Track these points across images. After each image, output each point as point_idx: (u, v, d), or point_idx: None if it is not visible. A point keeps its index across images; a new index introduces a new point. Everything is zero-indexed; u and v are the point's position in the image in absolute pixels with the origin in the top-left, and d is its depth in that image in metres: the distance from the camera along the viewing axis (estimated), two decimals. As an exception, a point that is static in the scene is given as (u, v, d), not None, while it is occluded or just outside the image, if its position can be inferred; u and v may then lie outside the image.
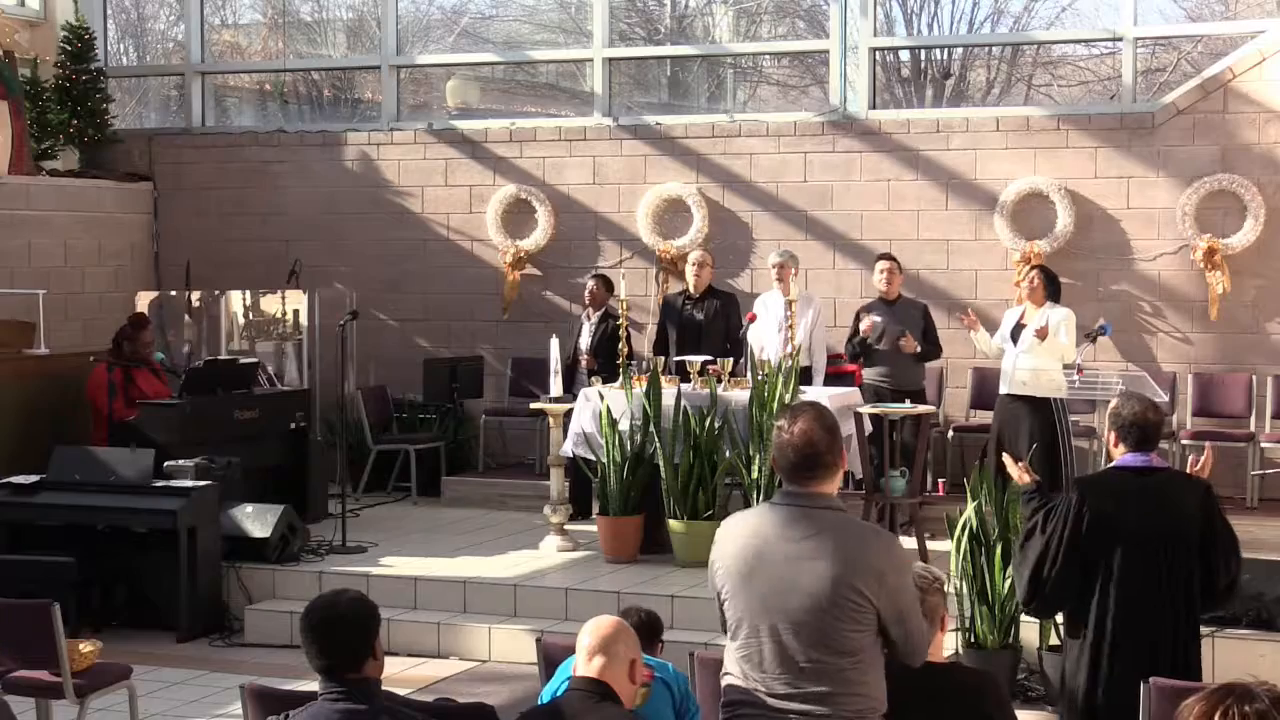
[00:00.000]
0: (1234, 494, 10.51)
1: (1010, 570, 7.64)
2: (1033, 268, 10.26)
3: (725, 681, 4.21)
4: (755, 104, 14.07)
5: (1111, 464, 5.56)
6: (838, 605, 4.00)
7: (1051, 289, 9.99)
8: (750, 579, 4.10)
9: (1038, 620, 7.46)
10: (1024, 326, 9.88)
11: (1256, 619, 7.76)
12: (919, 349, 10.40)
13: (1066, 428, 9.74)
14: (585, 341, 11.27)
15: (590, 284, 11.48)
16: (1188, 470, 5.70)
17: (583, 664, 4.23)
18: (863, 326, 10.46)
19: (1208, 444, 6.33)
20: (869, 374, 10.54)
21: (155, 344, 11.47)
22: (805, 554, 4.05)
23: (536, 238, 12.65)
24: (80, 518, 9.27)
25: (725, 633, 4.22)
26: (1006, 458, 6.07)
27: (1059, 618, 7.58)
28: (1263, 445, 10.81)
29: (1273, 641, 7.66)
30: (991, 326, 10.39)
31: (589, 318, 11.42)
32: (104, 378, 10.53)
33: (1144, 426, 5.43)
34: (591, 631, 4.27)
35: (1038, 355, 9.72)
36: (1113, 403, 5.58)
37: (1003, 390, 9.99)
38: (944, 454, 11.37)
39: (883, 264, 10.66)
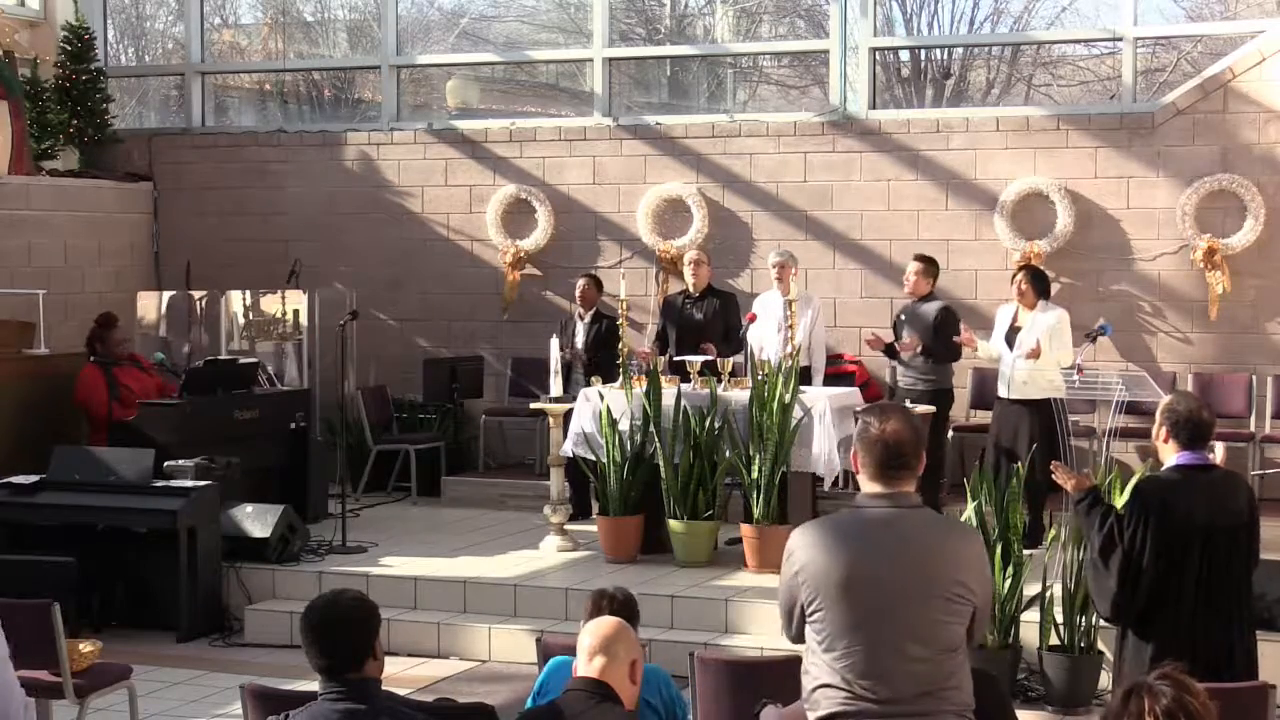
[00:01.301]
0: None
1: (1010, 570, 7.67)
2: (1020, 269, 10.19)
3: (821, 694, 4.12)
4: (755, 104, 14.07)
5: (1170, 463, 5.57)
6: (946, 601, 4.07)
7: (1040, 288, 9.92)
8: (851, 586, 4.08)
9: (1111, 623, 7.43)
10: (1018, 329, 9.84)
11: (1257, 619, 7.75)
12: (918, 349, 10.29)
13: (1066, 428, 9.72)
14: (580, 341, 11.25)
15: (581, 283, 11.45)
16: None
17: (583, 664, 4.24)
18: (903, 355, 10.38)
19: (1221, 444, 6.35)
20: (903, 380, 10.47)
21: (130, 342, 11.36)
22: (907, 554, 4.09)
23: (536, 238, 12.65)
24: (80, 518, 9.26)
25: (792, 639, 4.26)
26: (1056, 466, 6.06)
27: (1059, 619, 7.63)
28: (1263, 445, 10.81)
29: (1273, 641, 7.65)
30: (992, 328, 10.37)
31: (581, 317, 11.40)
32: (100, 379, 10.50)
33: (1199, 424, 5.49)
34: (592, 632, 4.27)
35: (1048, 351, 9.70)
36: (1165, 399, 5.62)
37: (1001, 393, 9.96)
38: (944, 454, 11.33)
39: (911, 265, 10.55)
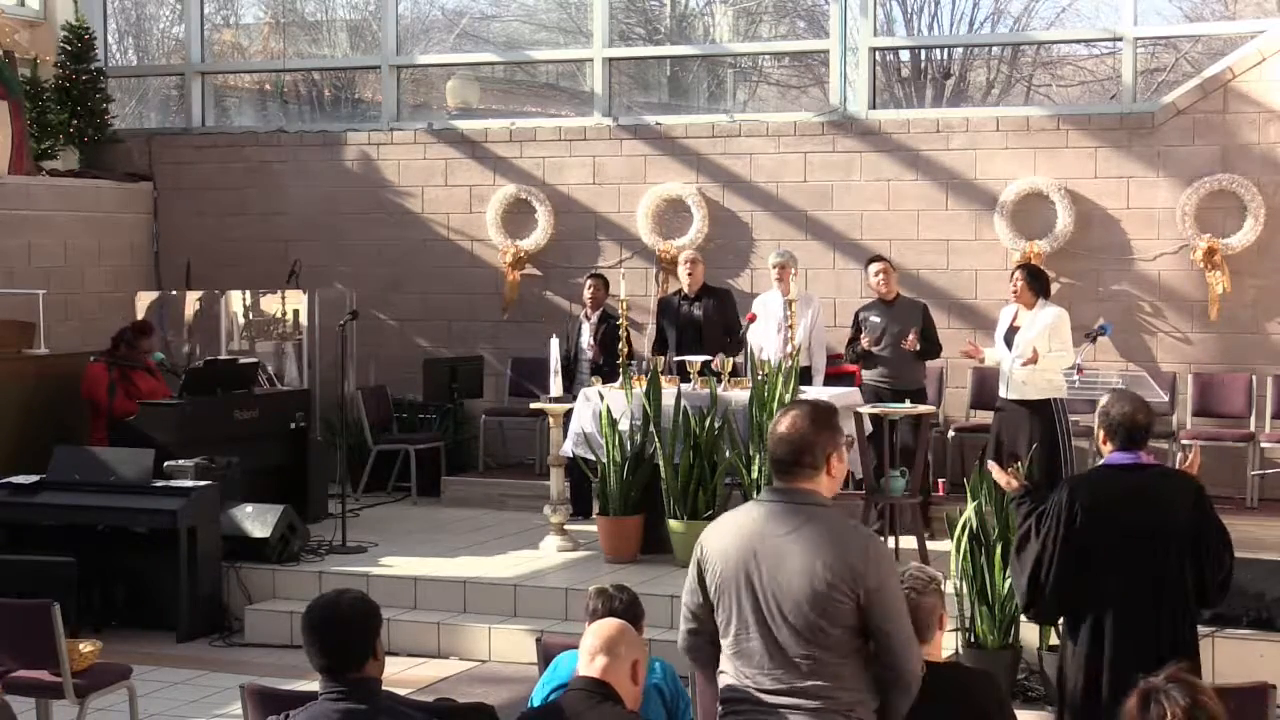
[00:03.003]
0: (1234, 494, 10.51)
1: (1009, 570, 7.66)
2: (1017, 268, 10.19)
3: (722, 680, 4.24)
4: (755, 104, 14.07)
5: (1100, 462, 5.56)
6: (820, 601, 4.03)
7: (1038, 287, 9.89)
8: (737, 576, 4.13)
9: (1040, 623, 7.45)
10: (1017, 329, 9.83)
11: (1256, 619, 7.76)
12: (919, 347, 10.35)
13: (1067, 428, 9.72)
14: (586, 340, 11.27)
15: (590, 285, 11.48)
16: (1176, 467, 5.69)
17: (585, 664, 4.25)
18: (864, 341, 10.39)
19: (1196, 444, 6.33)
20: (869, 375, 10.51)
21: (155, 345, 11.46)
22: (788, 549, 4.08)
23: (536, 238, 12.65)
24: (80, 518, 9.26)
25: (684, 640, 4.33)
26: (992, 465, 6.08)
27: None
28: (1263, 445, 10.80)
29: (1273, 641, 7.66)
30: (992, 328, 10.38)
31: (588, 318, 11.42)
32: (104, 375, 10.54)
33: (1131, 427, 5.41)
34: (595, 632, 4.29)
35: (1044, 354, 9.68)
36: (1103, 400, 5.56)
37: (1001, 394, 9.95)
38: (944, 454, 11.36)
39: (876, 265, 10.61)
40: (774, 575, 4.07)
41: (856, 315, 10.67)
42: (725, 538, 4.22)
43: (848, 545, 4.08)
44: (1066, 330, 9.79)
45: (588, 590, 5.32)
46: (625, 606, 5.12)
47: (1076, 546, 5.36)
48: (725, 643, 4.20)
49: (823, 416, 4.19)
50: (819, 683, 4.05)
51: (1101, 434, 5.50)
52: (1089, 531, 5.36)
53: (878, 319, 10.47)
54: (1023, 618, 7.63)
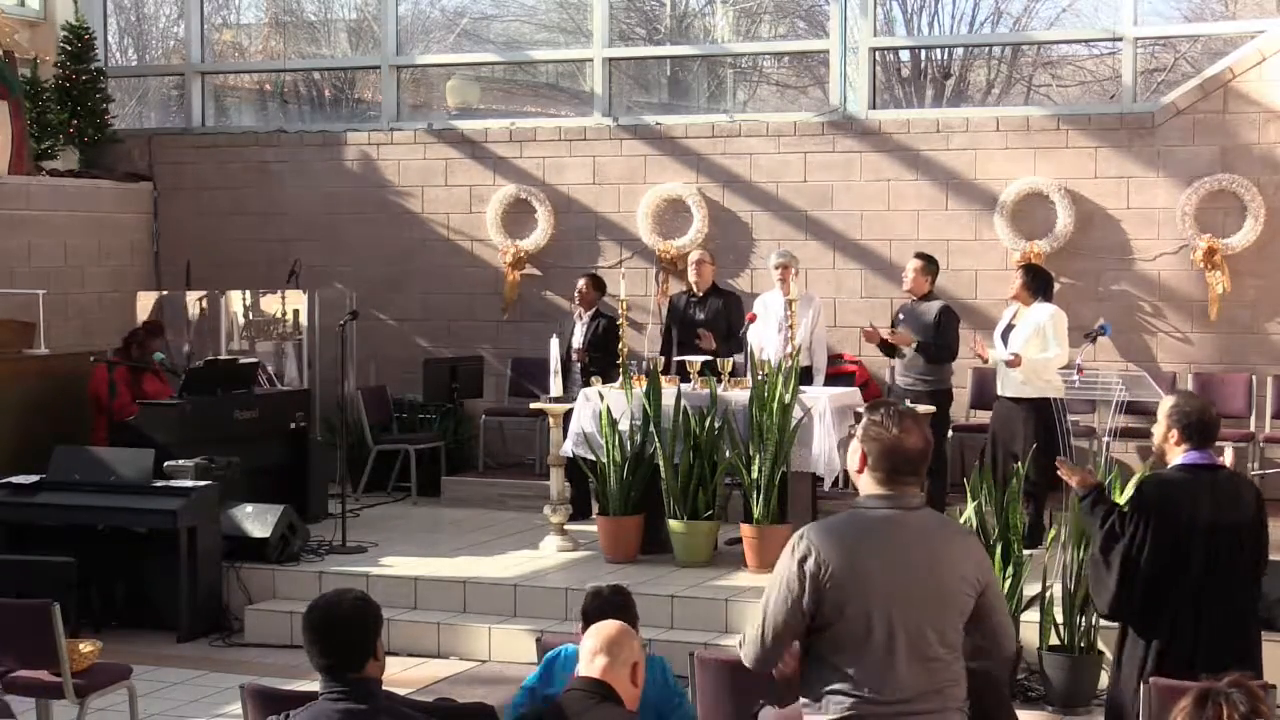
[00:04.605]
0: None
1: (1010, 570, 7.66)
2: (1019, 266, 10.20)
3: (830, 699, 4.09)
4: (755, 104, 14.07)
5: (1176, 462, 5.57)
6: (955, 602, 4.12)
7: (1036, 286, 9.86)
8: (865, 587, 4.05)
9: (1109, 619, 7.44)
10: (1013, 327, 9.84)
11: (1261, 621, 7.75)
12: (913, 345, 10.25)
13: (1066, 428, 9.72)
14: (578, 340, 11.24)
15: (581, 283, 11.45)
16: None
17: (585, 664, 4.26)
18: (869, 330, 10.39)
19: (1230, 445, 6.37)
20: (901, 380, 10.44)
21: (162, 355, 11.47)
22: (924, 554, 4.11)
23: (536, 238, 12.65)
24: (80, 518, 9.26)
25: (763, 654, 4.14)
26: (1061, 463, 6.02)
27: (1059, 618, 7.63)
28: (1263, 445, 10.81)
29: (1273, 642, 7.65)
30: (992, 328, 10.38)
31: (580, 317, 11.40)
32: (104, 375, 10.55)
33: (1207, 424, 5.49)
34: (595, 633, 4.30)
35: (1028, 356, 9.68)
36: (1171, 400, 5.62)
37: (998, 392, 9.97)
38: (944, 454, 11.34)
39: (911, 263, 10.53)
40: (911, 582, 4.06)
41: (895, 315, 10.63)
42: (839, 549, 4.06)
43: (969, 543, 4.28)
44: (1060, 330, 9.75)
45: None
46: (618, 607, 5.13)
47: (1158, 546, 5.40)
48: (840, 658, 4.06)
49: (928, 427, 4.26)
50: (944, 684, 4.10)
51: (1176, 433, 5.52)
52: (1172, 532, 5.40)
53: (903, 318, 10.45)
54: (1026, 615, 7.65)
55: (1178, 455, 5.52)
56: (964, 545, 4.23)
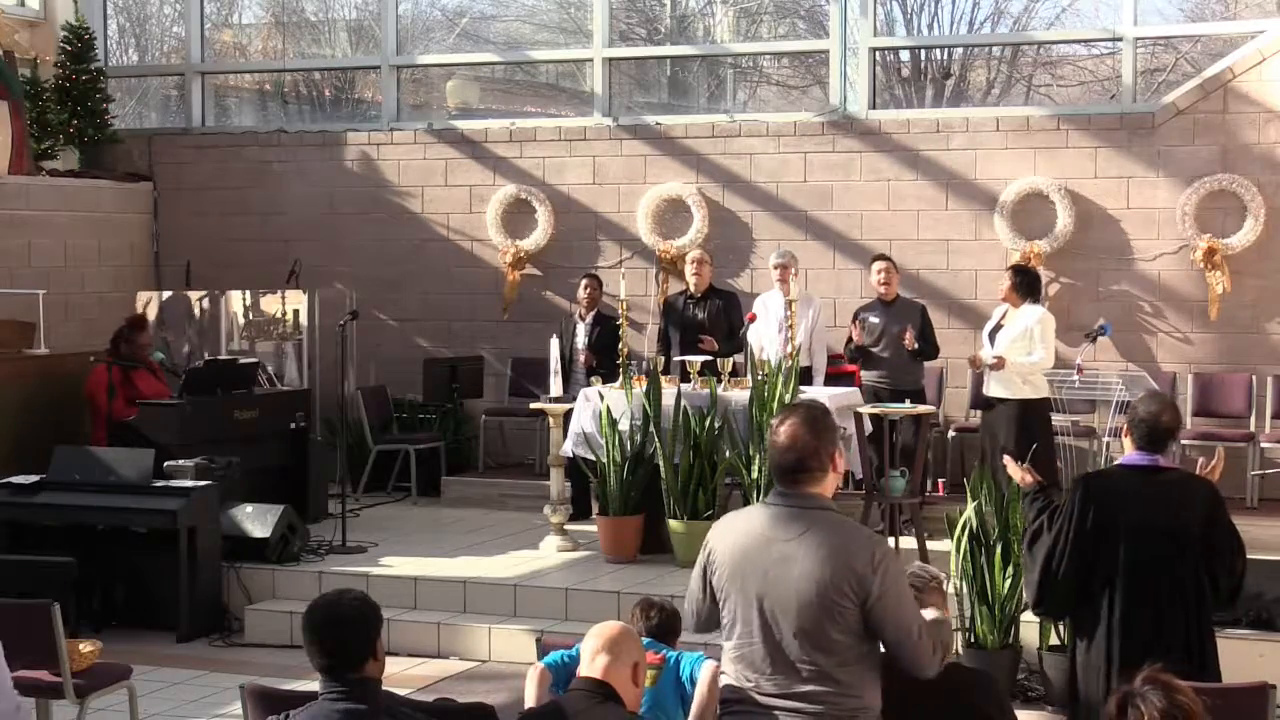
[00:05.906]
0: (1234, 494, 10.49)
1: (1010, 570, 7.67)
2: (1009, 267, 10.23)
3: (722, 680, 4.27)
4: (755, 104, 14.07)
5: (1117, 462, 5.56)
6: (823, 606, 4.04)
7: (1026, 287, 9.88)
8: (742, 578, 4.15)
9: (1042, 621, 7.45)
10: (1002, 327, 9.88)
11: (1256, 619, 7.76)
12: (917, 345, 10.37)
13: (1052, 429, 9.75)
14: (582, 341, 11.26)
15: (585, 285, 11.47)
16: (1197, 471, 5.67)
17: (586, 664, 4.27)
18: (853, 333, 10.46)
19: (1220, 447, 6.31)
20: (868, 376, 10.53)
21: (155, 344, 11.47)
22: (792, 554, 4.09)
23: (536, 238, 12.65)
24: (80, 518, 9.26)
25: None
26: (1007, 459, 6.06)
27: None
28: (1263, 445, 10.81)
29: (1273, 641, 7.66)
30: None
31: (583, 318, 11.40)
32: (104, 377, 10.54)
33: (1154, 426, 5.43)
34: (597, 634, 4.33)
35: (1012, 359, 9.70)
36: (1138, 396, 5.59)
37: (985, 391, 10.03)
38: (944, 454, 11.36)
39: (879, 264, 10.63)
40: (779, 580, 4.08)
41: (856, 314, 10.67)
42: (730, 538, 4.24)
43: (853, 550, 4.09)
44: (1048, 333, 9.77)
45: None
46: (660, 622, 5.22)
47: (1087, 545, 5.36)
48: (728, 645, 4.22)
49: (819, 420, 4.20)
50: (819, 688, 4.06)
51: (1126, 427, 5.52)
52: (1099, 530, 5.36)
53: (876, 319, 10.48)
54: (1025, 615, 7.65)
55: (1125, 453, 5.52)
56: (841, 552, 4.06)
